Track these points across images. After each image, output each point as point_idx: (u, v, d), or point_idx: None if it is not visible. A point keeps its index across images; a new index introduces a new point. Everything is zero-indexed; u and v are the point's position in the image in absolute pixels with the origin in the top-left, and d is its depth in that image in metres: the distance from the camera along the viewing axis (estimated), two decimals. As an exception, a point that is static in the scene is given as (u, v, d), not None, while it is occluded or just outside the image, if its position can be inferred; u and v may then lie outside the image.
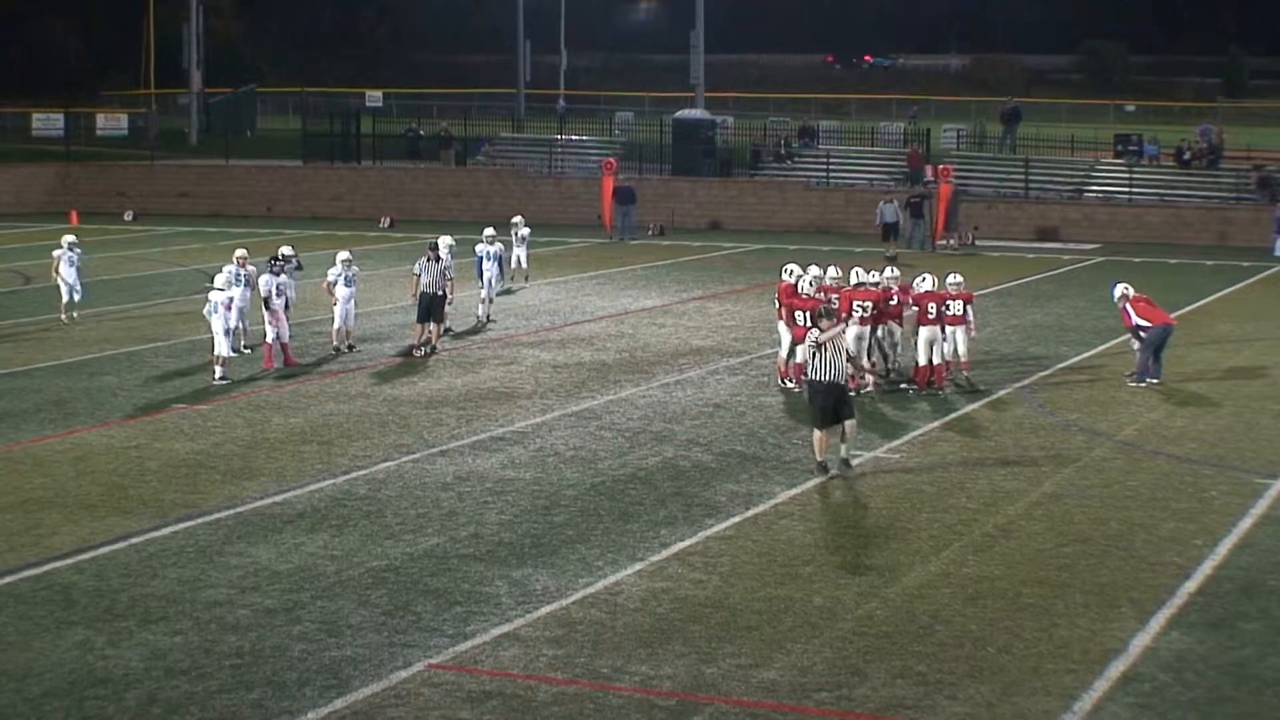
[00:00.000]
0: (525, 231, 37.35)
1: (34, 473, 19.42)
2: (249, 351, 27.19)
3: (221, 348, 24.87)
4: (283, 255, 27.34)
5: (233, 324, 25.91)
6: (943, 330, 24.32)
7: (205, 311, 25.11)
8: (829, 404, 19.00)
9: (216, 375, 24.86)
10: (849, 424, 19.19)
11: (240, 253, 28.14)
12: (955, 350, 24.66)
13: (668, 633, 13.93)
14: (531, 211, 51.71)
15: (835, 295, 24.63)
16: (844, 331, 19.57)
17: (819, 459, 19.25)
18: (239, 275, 27.28)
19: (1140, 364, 25.20)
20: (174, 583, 15.23)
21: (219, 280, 25.37)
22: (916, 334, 24.43)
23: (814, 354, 19.12)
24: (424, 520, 17.41)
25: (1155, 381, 24.98)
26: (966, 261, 41.28)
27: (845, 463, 19.34)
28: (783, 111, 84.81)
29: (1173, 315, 32.14)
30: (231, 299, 25.44)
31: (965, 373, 25.10)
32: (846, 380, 19.33)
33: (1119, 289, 25.44)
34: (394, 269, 39.61)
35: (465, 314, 31.50)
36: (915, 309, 24.33)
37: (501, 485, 18.91)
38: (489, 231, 33.11)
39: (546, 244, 45.86)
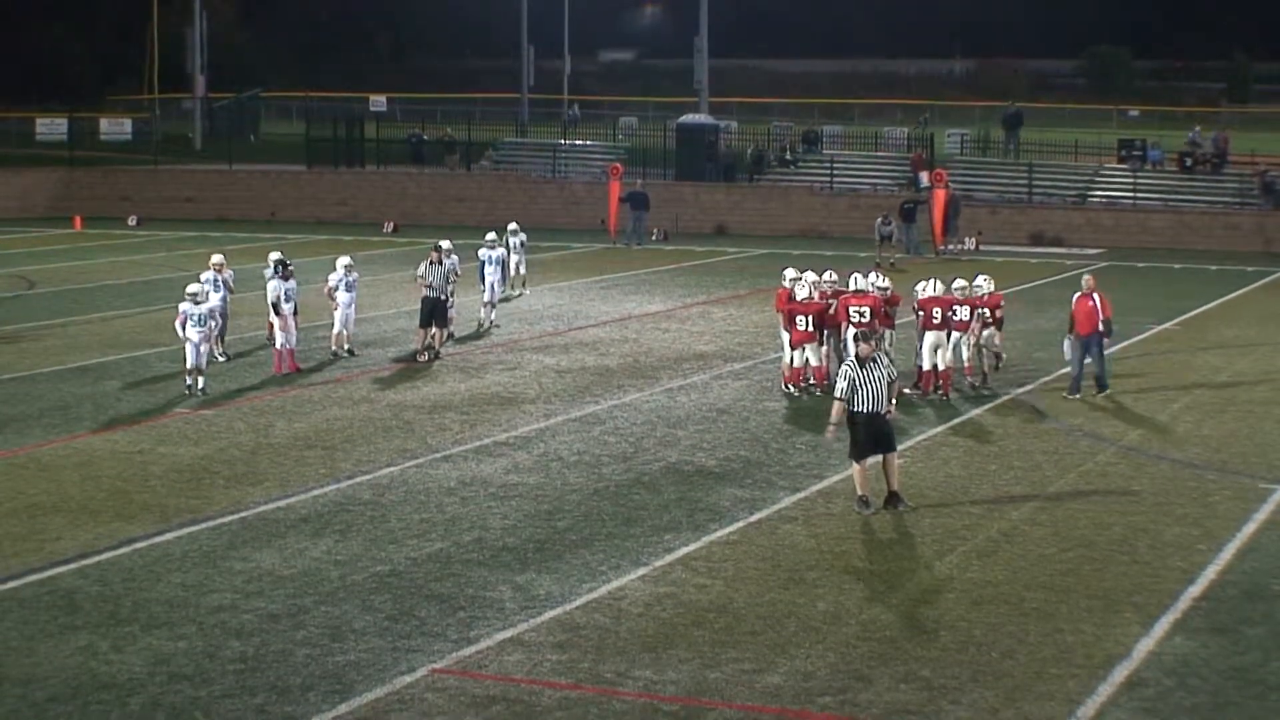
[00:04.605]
0: (521, 238, 37.17)
1: (38, 478, 19.44)
2: (226, 359, 27.14)
3: (193, 359, 24.26)
4: (282, 262, 27.37)
5: (213, 332, 25.85)
6: (948, 335, 24.33)
7: (177, 324, 24.43)
8: (868, 436, 17.76)
9: (199, 386, 24.32)
10: (890, 457, 18.00)
11: (217, 259, 28.08)
12: (961, 355, 24.71)
13: (671, 637, 13.93)
14: (535, 216, 51.84)
15: (833, 300, 24.73)
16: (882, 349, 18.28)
17: (860, 494, 17.95)
18: (217, 281, 27.29)
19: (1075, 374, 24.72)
20: (178, 588, 15.24)
21: (191, 289, 24.77)
22: (922, 339, 24.44)
23: (851, 381, 17.83)
24: (428, 525, 17.42)
25: (1076, 397, 24.29)
26: (969, 267, 41.24)
27: (894, 497, 18.00)
28: (786, 116, 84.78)
29: (1176, 320, 32.13)
30: (211, 310, 24.99)
31: (969, 378, 25.12)
32: (886, 409, 17.89)
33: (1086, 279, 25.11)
34: (397, 274, 39.64)
35: (467, 319, 31.49)
36: (922, 313, 24.34)
37: (505, 490, 18.92)
38: (491, 236, 33.12)
39: (550, 249, 45.88)
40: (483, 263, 31.95)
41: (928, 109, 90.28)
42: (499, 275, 32.09)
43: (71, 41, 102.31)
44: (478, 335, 30.69)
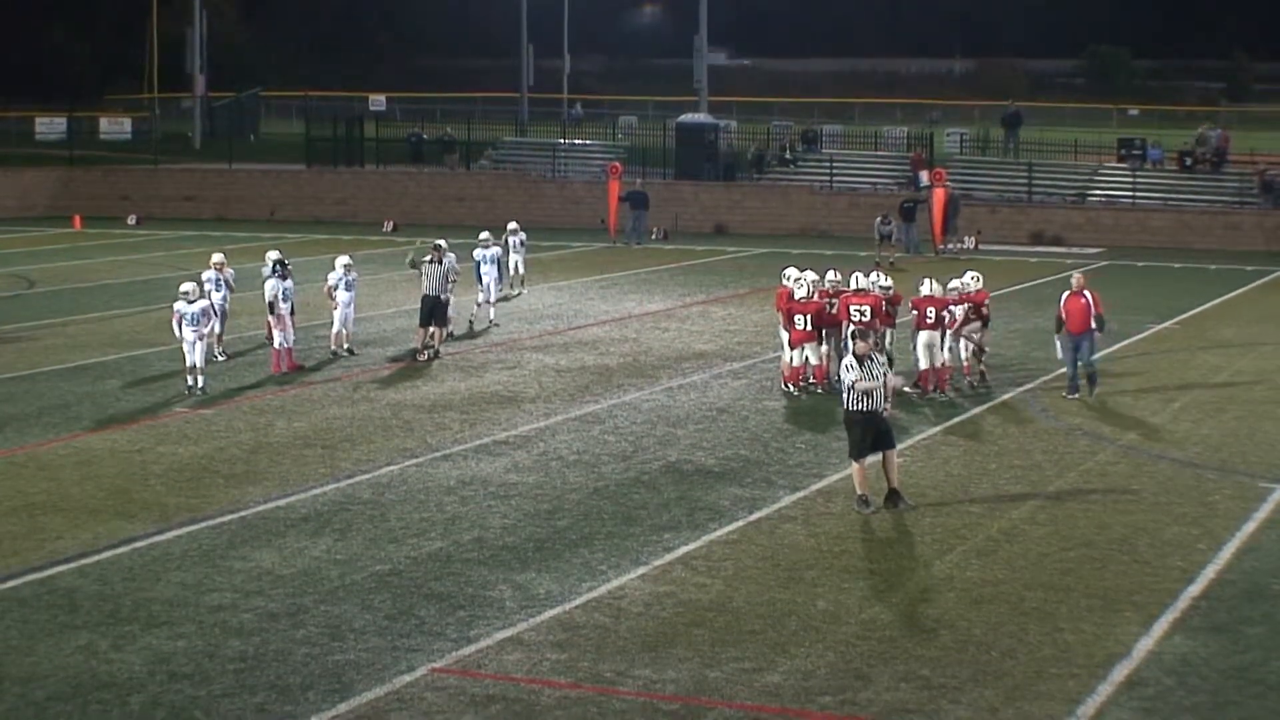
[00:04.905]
0: (521, 237, 37.10)
1: (37, 477, 19.43)
2: (225, 358, 27.13)
3: (190, 358, 24.28)
4: (282, 261, 27.39)
5: (215, 330, 25.89)
6: (942, 335, 24.35)
7: (174, 324, 24.47)
8: (866, 435, 17.76)
9: (198, 385, 24.35)
10: (889, 455, 18.00)
11: (218, 258, 28.12)
12: (959, 354, 24.72)
13: (671, 636, 13.93)
14: (534, 215, 51.80)
15: (834, 299, 24.73)
16: (880, 348, 18.36)
17: (859, 493, 17.94)
18: (218, 280, 27.30)
19: (1069, 374, 24.63)
20: (177, 587, 15.24)
21: (184, 288, 24.72)
22: (915, 338, 24.45)
23: (850, 379, 17.80)
24: (427, 524, 17.42)
25: (1075, 396, 24.17)
26: (968, 266, 41.21)
27: (894, 495, 17.98)
28: (786, 115, 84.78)
29: (1176, 320, 32.09)
30: (205, 308, 24.86)
31: (968, 377, 25.12)
32: (885, 408, 17.98)
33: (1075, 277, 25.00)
34: (397, 273, 39.61)
35: (462, 318, 31.39)
36: (915, 312, 24.36)
37: (505, 489, 18.91)
38: (484, 235, 33.06)
39: (550, 248, 45.87)
40: (478, 262, 31.93)
41: (932, 108, 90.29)
42: (495, 274, 32.07)
43: (71, 41, 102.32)
44: (471, 334, 30.63)
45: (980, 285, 25.20)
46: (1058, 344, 24.58)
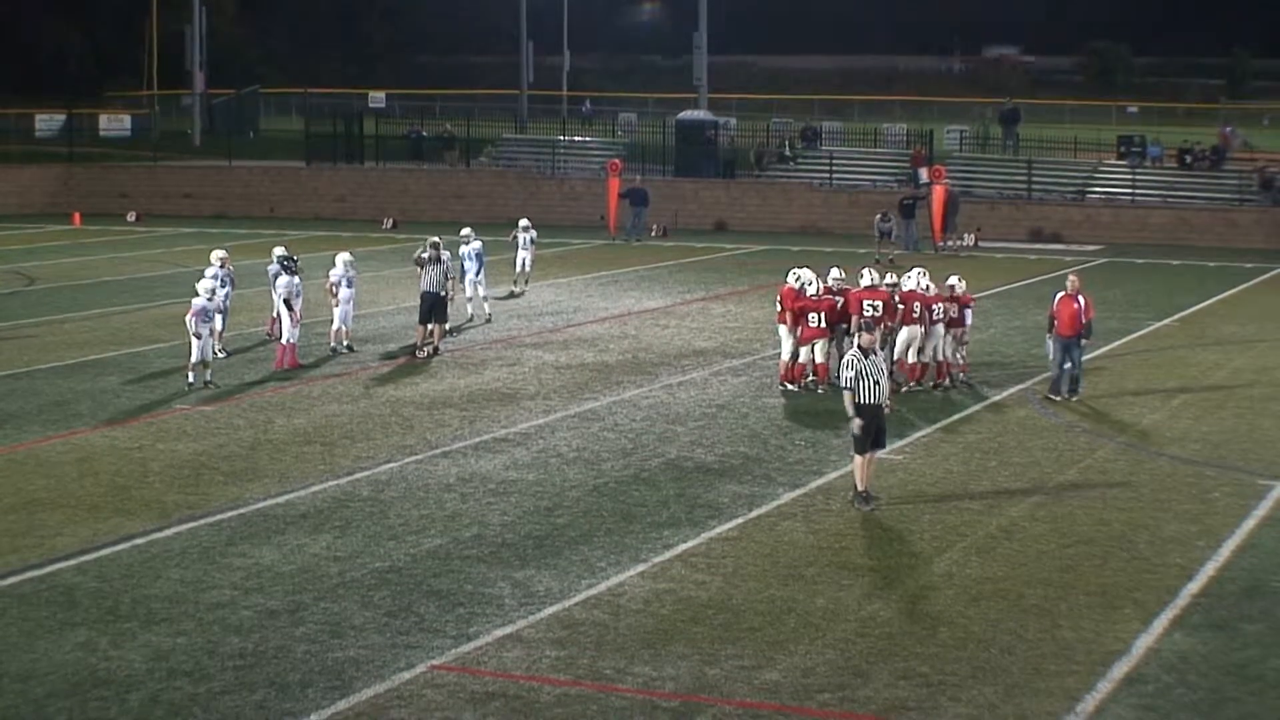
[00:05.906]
0: (533, 234, 37.02)
1: (37, 474, 19.43)
2: (226, 355, 27.11)
3: (200, 354, 24.32)
4: (289, 257, 27.42)
5: (218, 327, 25.96)
6: (925, 331, 24.35)
7: (187, 319, 24.46)
8: (868, 430, 17.75)
9: (205, 378, 24.43)
10: (875, 454, 18.08)
11: (220, 253, 28.09)
12: (953, 351, 24.76)
13: (670, 634, 13.93)
14: (534, 212, 51.68)
15: (840, 296, 24.73)
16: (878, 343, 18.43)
17: (860, 488, 17.93)
18: (224, 277, 27.33)
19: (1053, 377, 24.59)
20: (177, 584, 15.24)
21: (205, 285, 24.84)
22: (898, 333, 24.41)
23: (854, 375, 17.79)
24: (427, 521, 17.42)
25: (1075, 398, 24.02)
26: (968, 263, 41.30)
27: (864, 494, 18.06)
28: (786, 113, 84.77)
29: (1175, 317, 32.04)
30: (215, 306, 24.94)
31: (963, 375, 25.12)
32: (887, 405, 18.04)
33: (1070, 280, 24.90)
34: (397, 270, 39.63)
35: (457, 316, 31.30)
36: (902, 307, 24.35)
37: (504, 486, 18.91)
38: (466, 231, 32.94)
39: (550, 245, 45.88)
40: (462, 259, 31.91)
41: (1008, 100, 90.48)
42: (477, 268, 31.98)
43: (71, 37, 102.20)
44: (458, 329, 30.55)
45: (926, 282, 24.98)
46: (1048, 343, 24.54)
